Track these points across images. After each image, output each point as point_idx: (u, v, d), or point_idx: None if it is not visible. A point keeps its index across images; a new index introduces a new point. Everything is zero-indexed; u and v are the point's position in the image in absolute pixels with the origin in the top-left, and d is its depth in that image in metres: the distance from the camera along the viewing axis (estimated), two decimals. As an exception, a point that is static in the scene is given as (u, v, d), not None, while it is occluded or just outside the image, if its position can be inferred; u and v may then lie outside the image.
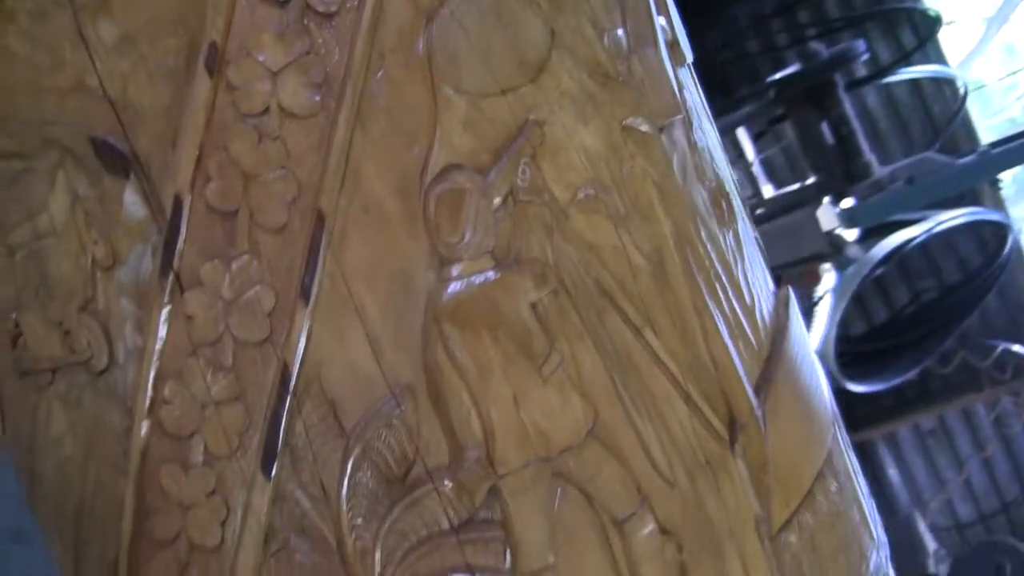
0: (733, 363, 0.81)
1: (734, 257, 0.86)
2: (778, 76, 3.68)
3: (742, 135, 4.06)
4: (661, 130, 0.82)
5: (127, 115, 0.70)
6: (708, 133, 0.92)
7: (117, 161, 0.71)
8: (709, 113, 0.94)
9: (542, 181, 0.74)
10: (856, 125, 3.51)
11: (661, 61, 0.86)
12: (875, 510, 0.94)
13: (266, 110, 0.69)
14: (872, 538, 0.92)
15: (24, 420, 0.79)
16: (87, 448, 0.76)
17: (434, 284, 0.72)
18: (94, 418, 0.75)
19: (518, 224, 0.73)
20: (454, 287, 0.72)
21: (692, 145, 0.87)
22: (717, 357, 0.81)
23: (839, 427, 0.93)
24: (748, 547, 0.79)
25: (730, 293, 0.84)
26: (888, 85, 4.15)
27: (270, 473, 0.72)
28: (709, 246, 0.83)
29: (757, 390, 0.82)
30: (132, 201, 0.71)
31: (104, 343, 0.73)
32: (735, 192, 0.92)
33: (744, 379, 0.81)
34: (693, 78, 0.93)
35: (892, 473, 5.11)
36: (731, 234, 0.88)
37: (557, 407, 0.73)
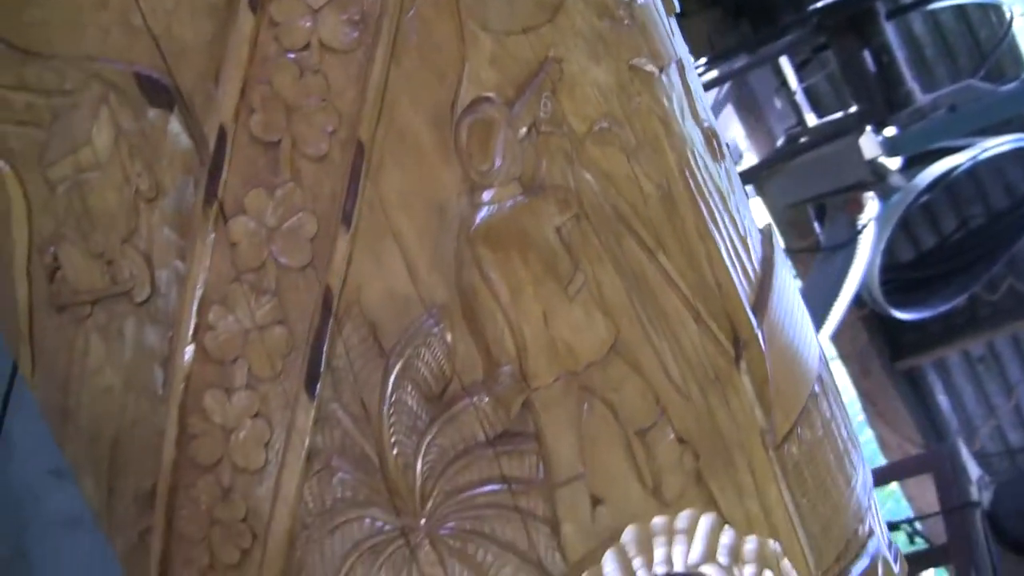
0: (734, 285, 0.88)
1: (727, 189, 0.93)
2: (820, 4, 3.75)
3: (785, 64, 4.13)
4: (660, 70, 0.88)
5: (170, 51, 0.74)
6: (696, 79, 0.98)
7: (161, 95, 0.74)
8: (692, 62, 1.01)
9: (561, 114, 0.80)
10: (899, 53, 3.59)
11: (656, 9, 0.92)
12: (855, 434, 1.01)
13: (307, 45, 0.74)
14: (856, 458, 0.99)
15: (58, 355, 0.82)
16: (126, 378, 0.79)
17: (467, 209, 0.77)
18: (134, 348, 0.78)
19: (541, 153, 0.79)
20: (486, 211, 0.77)
21: (686, 87, 0.93)
22: (720, 279, 0.87)
23: (823, 354, 1.01)
24: (756, 457, 0.86)
25: (727, 221, 0.91)
26: (934, 12, 4.21)
27: (314, 393, 0.76)
28: (707, 178, 0.90)
29: (754, 311, 0.89)
30: (176, 133, 0.74)
31: (147, 273, 0.76)
32: (721, 134, 0.99)
33: (744, 300, 0.88)
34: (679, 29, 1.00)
35: (942, 399, 5.24)
36: (723, 170, 0.95)
37: (582, 324, 0.79)
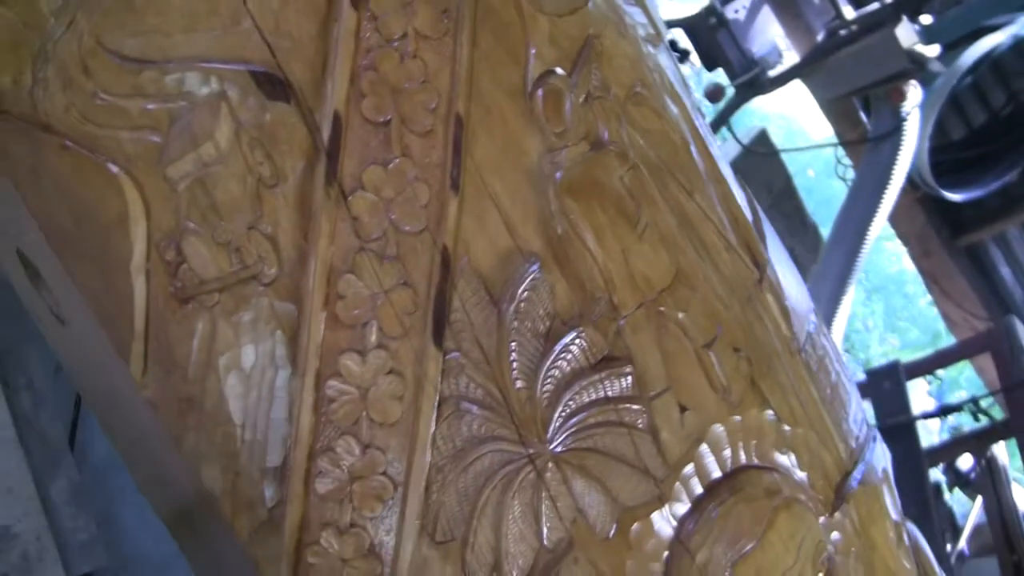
0: (746, 219, 1.05)
1: (715, 144, 1.11)
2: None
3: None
4: (661, 45, 1.05)
5: (280, 47, 0.84)
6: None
7: (276, 88, 0.84)
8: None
9: (607, 82, 0.95)
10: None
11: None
12: (848, 368, 1.21)
13: (404, 35, 0.85)
14: (850, 387, 1.18)
15: (180, 347, 0.89)
16: (256, 357, 0.88)
17: (548, 167, 0.90)
18: (263, 327, 0.87)
19: (598, 115, 0.93)
20: (565, 168, 0.90)
21: (675, 63, 1.10)
22: (736, 214, 1.04)
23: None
24: (788, 361, 1.03)
25: (725, 167, 1.08)
26: None
27: (441, 344, 0.87)
28: (707, 129, 1.07)
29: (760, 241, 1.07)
30: (292, 123, 0.84)
31: (273, 255, 0.85)
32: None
33: (755, 231, 1.05)
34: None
35: (1005, 272, 5.36)
36: (709, 130, 1.12)
37: (652, 257, 0.94)
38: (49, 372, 1.74)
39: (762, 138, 5.94)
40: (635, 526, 0.92)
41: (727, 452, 0.96)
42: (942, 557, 3.28)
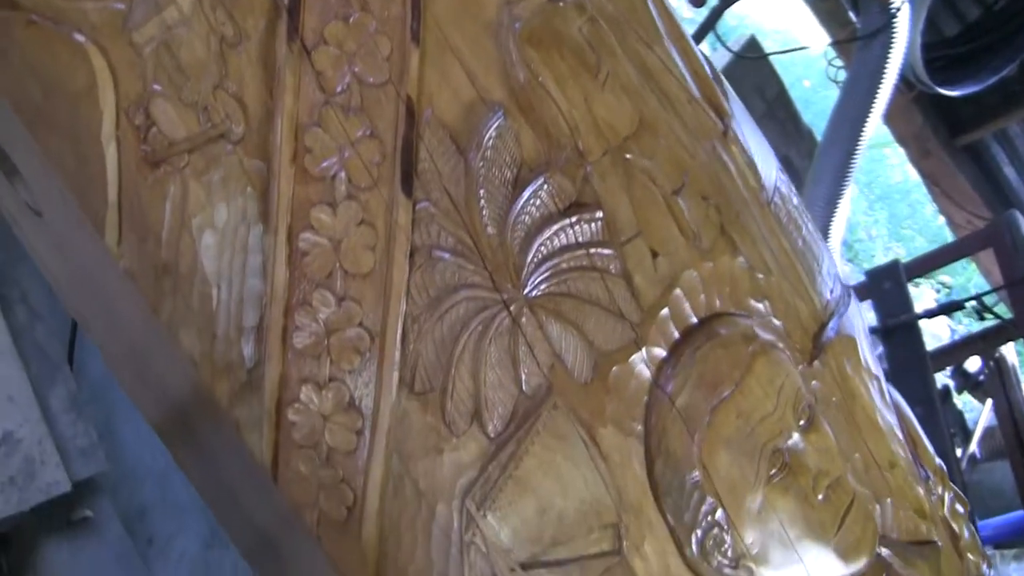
0: (707, 74, 1.09)
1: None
2: None
3: None
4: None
5: (235, -94, 0.88)
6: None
7: (233, -53, 0.88)
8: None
9: (562, -64, 0.99)
10: None
11: None
12: (819, 234, 1.25)
13: None
14: (823, 248, 1.22)
15: (153, 211, 0.93)
16: (228, 215, 0.92)
17: (507, 19, 0.94)
18: (234, 185, 0.91)
19: (554, -32, 0.97)
20: (524, 19, 0.95)
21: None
22: (697, 70, 1.08)
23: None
24: (758, 211, 1.07)
25: (686, 30, 1.12)
26: None
27: (410, 192, 0.91)
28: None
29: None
30: (251, -20, 0.89)
31: (240, 112, 0.90)
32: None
33: (716, 86, 1.09)
34: None
35: (1008, 171, 5.33)
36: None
37: (614, 105, 0.98)
38: (45, 289, 1.80)
39: (752, 45, 5.93)
40: (614, 370, 0.97)
41: (702, 298, 1.00)
42: (953, 461, 3.29)
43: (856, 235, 9.45)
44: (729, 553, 1.00)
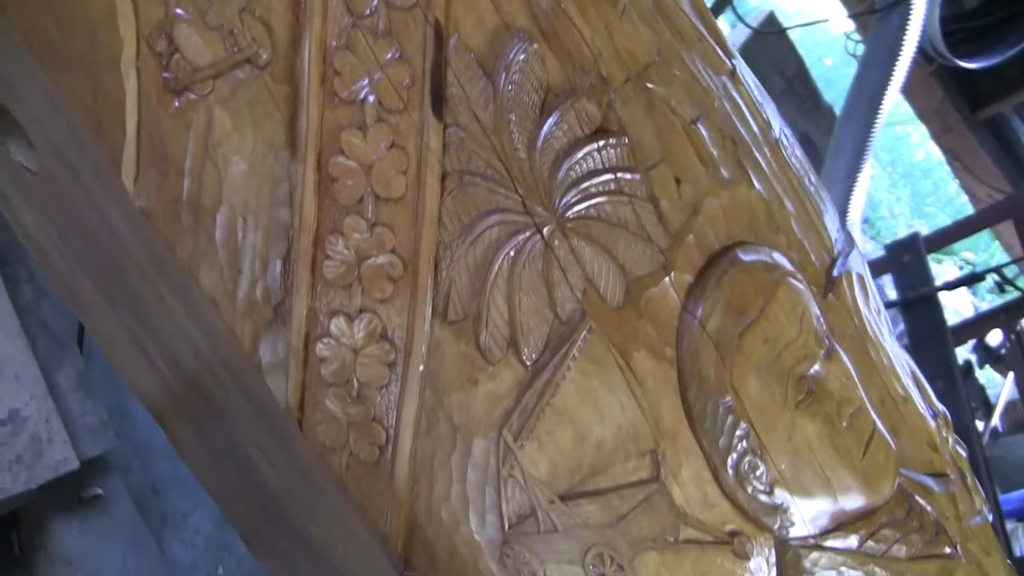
0: (711, 18, 1.12)
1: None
2: None
3: None
4: None
5: None
6: None
7: None
8: None
9: None
10: None
11: None
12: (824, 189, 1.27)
13: None
14: (826, 198, 1.26)
15: (175, 142, 0.92)
16: (254, 143, 0.91)
17: (528, -53, 0.96)
18: (261, 111, 0.91)
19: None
20: (543, -53, 0.96)
21: None
22: (702, 12, 1.11)
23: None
24: (769, 148, 1.10)
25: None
26: None
27: (440, 115, 0.92)
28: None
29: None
30: (277, -98, 0.89)
31: (267, 36, 0.90)
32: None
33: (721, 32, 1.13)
34: None
35: None
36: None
37: (634, 34, 1.00)
38: (51, 266, 1.75)
39: (771, 21, 5.93)
40: (645, 295, 0.97)
41: (723, 226, 1.02)
42: (974, 435, 3.28)
43: (879, 213, 9.52)
44: (764, 479, 1.01)
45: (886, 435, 1.10)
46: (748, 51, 5.54)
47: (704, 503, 1.01)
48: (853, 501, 1.07)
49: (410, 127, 0.92)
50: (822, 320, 1.07)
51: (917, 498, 1.13)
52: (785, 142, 1.15)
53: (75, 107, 0.94)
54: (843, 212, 4.22)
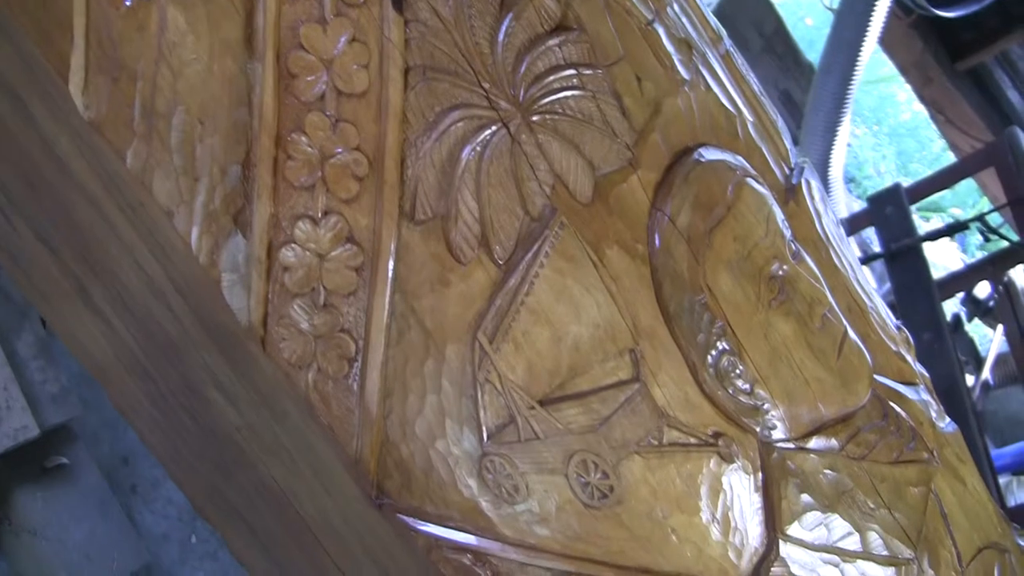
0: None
1: None
2: None
3: None
4: None
5: None
6: None
7: None
8: None
9: None
10: None
11: None
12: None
13: None
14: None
15: (129, 46, 0.90)
16: (211, 43, 0.90)
17: None
18: (217, 9, 0.89)
19: None
20: None
21: None
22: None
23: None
24: (719, 57, 1.12)
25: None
26: None
27: (400, 8, 0.91)
28: None
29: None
30: None
31: (218, -71, 0.89)
32: None
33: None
34: None
35: (1012, 95, 5.14)
36: None
37: (587, -63, 1.01)
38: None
39: None
40: (614, 191, 0.97)
41: (686, 126, 1.02)
42: (964, 389, 3.24)
43: (864, 172, 9.51)
44: (743, 378, 1.01)
45: (857, 340, 1.11)
46: (726, 9, 5.47)
47: (686, 404, 1.00)
48: (832, 404, 1.07)
49: (370, 21, 0.91)
50: (787, 224, 1.08)
51: (892, 404, 1.14)
52: (735, 56, 1.17)
53: (23, 21, 0.92)
54: (824, 166, 4.25)
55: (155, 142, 0.92)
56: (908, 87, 6.34)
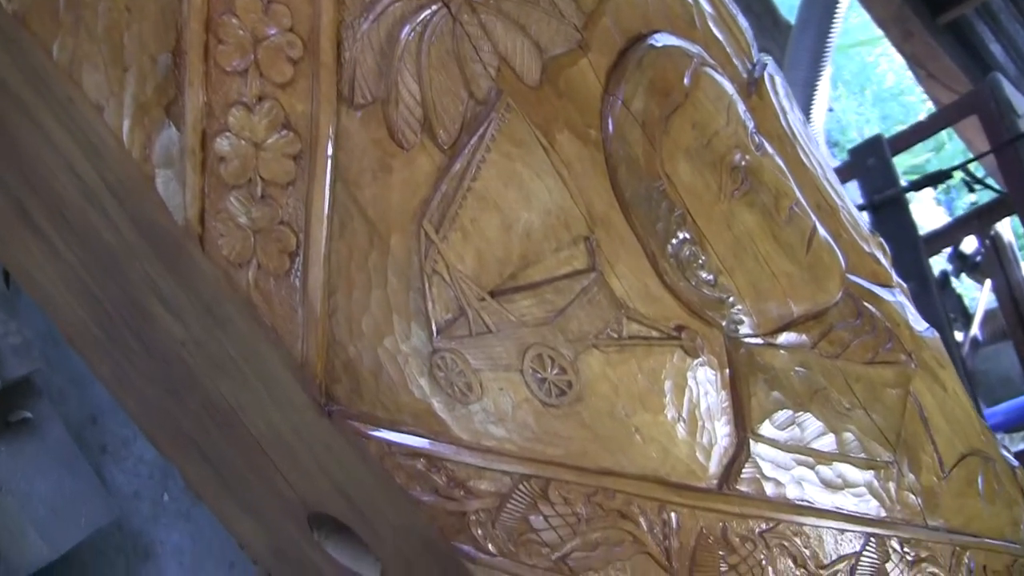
0: None
1: None
2: None
3: None
4: None
5: None
6: None
7: None
8: None
9: None
10: None
11: None
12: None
13: None
14: None
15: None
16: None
17: None
18: None
19: None
20: None
21: None
22: None
23: None
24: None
25: None
26: None
27: None
28: None
29: None
30: None
31: None
32: None
33: None
34: None
35: (995, 49, 5.07)
36: None
37: None
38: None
39: None
40: (563, 74, 0.94)
41: (639, 12, 0.99)
42: (953, 347, 3.19)
43: (848, 136, 9.41)
44: (706, 268, 0.97)
45: (827, 236, 1.07)
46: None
47: (646, 296, 0.96)
48: (801, 299, 1.03)
49: None
50: (750, 116, 1.04)
51: (866, 304, 1.11)
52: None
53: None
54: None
55: (81, 33, 0.88)
56: (891, 50, 6.20)
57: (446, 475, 0.96)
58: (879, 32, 5.93)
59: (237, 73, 0.88)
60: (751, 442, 1.00)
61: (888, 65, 9.91)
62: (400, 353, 0.93)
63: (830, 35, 3.97)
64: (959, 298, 4.71)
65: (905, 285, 1.23)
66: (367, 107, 0.90)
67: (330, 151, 0.89)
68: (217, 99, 0.89)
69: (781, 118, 1.12)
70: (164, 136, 0.90)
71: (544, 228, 0.93)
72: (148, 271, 1.00)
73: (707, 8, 1.09)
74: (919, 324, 1.17)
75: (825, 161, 1.18)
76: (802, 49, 4.09)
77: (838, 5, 3.94)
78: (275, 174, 0.89)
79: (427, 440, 0.95)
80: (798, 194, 1.06)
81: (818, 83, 3.98)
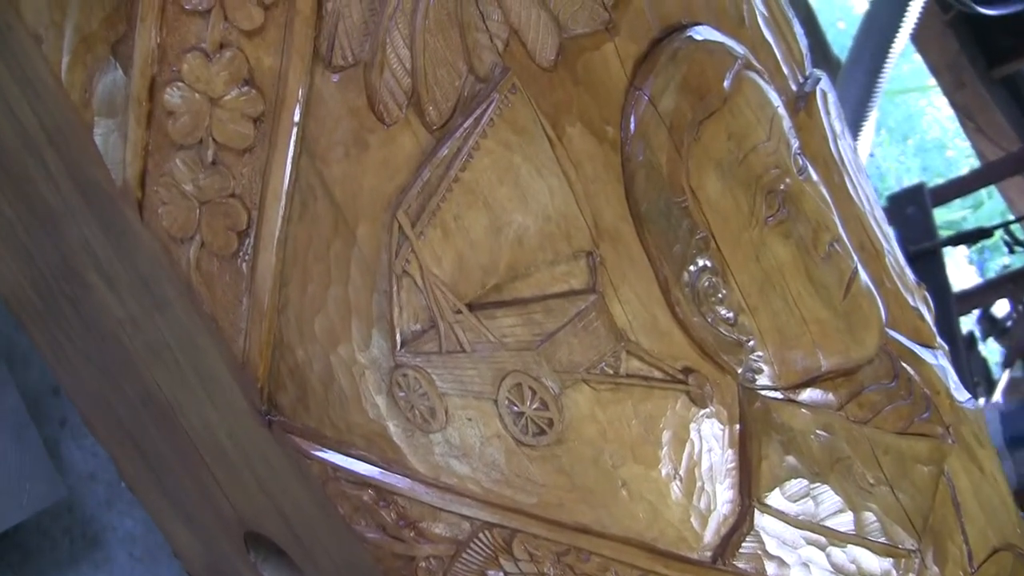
0: None
1: None
2: None
3: None
4: None
5: None
6: None
7: None
8: None
9: None
10: None
11: None
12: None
13: None
14: None
15: None
16: None
17: None
18: None
19: None
20: None
21: None
22: None
23: None
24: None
25: None
26: None
27: None
28: None
29: None
30: None
31: None
32: None
33: None
34: None
35: None
36: None
37: None
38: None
39: None
40: (583, 58, 0.77)
41: (680, -2, 0.82)
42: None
43: (886, 183, 9.16)
44: (725, 303, 0.80)
45: (868, 282, 0.90)
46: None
47: (652, 329, 0.80)
48: (832, 351, 0.86)
49: None
50: (795, 134, 0.87)
51: (904, 365, 0.93)
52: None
53: None
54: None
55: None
56: (938, 101, 5.98)
57: (396, 511, 0.79)
58: (929, 81, 5.74)
59: (198, 13, 0.72)
60: (756, 512, 0.83)
61: (934, 116, 9.65)
62: (356, 364, 0.76)
63: (881, 76, 3.76)
64: (984, 362, 4.49)
65: (947, 347, 1.05)
66: (347, 70, 0.74)
67: (297, 117, 0.73)
68: (172, 41, 0.73)
69: (830, 141, 0.95)
70: (108, 79, 0.75)
71: (540, 236, 0.76)
72: (86, 235, 0.84)
73: (760, 7, 0.91)
74: (961, 394, 0.99)
75: (874, 197, 1.00)
76: (851, 88, 3.88)
77: (893, 45, 3.73)
78: (230, 137, 0.73)
79: (378, 468, 0.79)
80: (840, 230, 0.89)
81: (863, 125, 3.78)
